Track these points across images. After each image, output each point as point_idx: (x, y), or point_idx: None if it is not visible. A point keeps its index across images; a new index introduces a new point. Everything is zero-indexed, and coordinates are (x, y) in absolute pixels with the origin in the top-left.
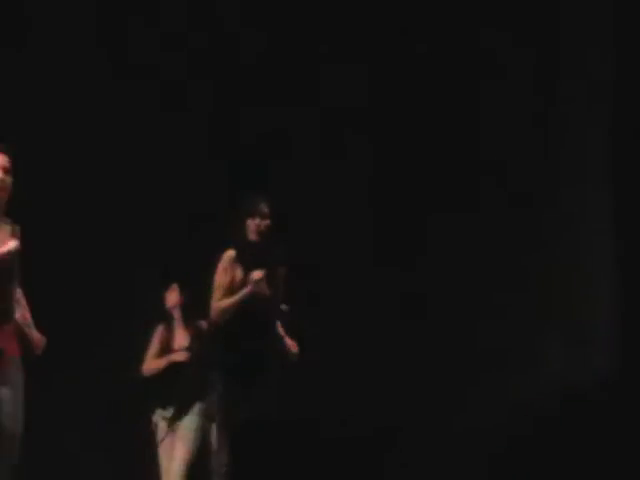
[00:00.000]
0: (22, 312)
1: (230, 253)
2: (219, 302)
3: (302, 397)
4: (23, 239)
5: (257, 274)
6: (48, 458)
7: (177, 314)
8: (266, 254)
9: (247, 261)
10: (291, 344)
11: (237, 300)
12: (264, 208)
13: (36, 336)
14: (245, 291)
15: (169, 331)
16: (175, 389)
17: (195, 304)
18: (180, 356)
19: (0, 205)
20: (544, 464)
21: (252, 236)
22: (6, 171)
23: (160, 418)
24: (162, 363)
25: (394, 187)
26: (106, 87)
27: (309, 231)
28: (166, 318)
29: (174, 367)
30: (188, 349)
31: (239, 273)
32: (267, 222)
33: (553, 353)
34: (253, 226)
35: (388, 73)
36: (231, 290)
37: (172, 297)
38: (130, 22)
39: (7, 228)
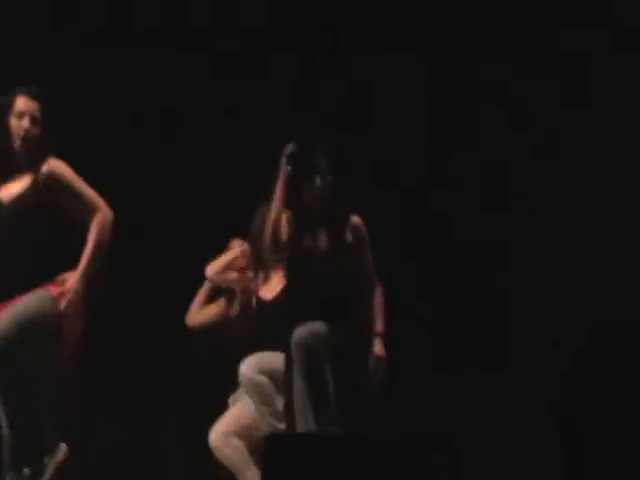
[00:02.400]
0: None
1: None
2: None
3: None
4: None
5: None
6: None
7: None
8: (329, 217)
9: (303, 227)
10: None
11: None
12: (323, 162)
13: None
14: None
15: None
16: None
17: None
18: None
19: (21, 157)
20: None
21: (313, 199)
22: (34, 121)
23: None
24: None
25: None
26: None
27: None
28: None
29: None
30: None
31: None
32: (330, 179)
33: None
34: (314, 186)
35: None
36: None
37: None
38: None
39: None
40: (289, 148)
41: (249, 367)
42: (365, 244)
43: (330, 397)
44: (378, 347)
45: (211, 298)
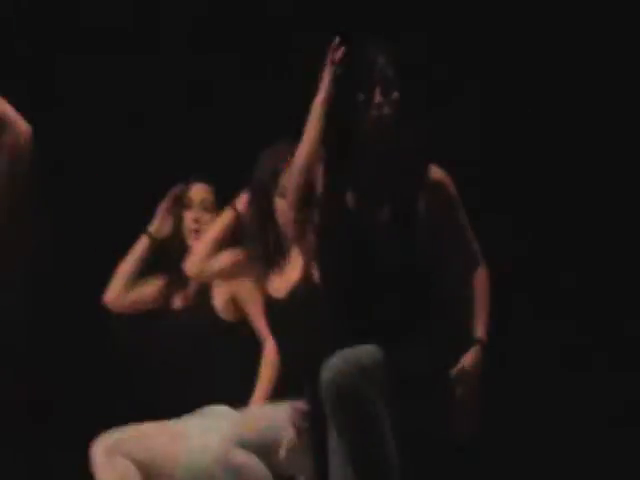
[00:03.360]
0: None
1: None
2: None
3: None
4: None
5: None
6: None
7: None
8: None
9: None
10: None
11: None
12: (387, 67)
13: None
14: None
15: None
16: None
17: None
18: None
19: None
20: None
21: (368, 127)
22: None
23: None
24: None
25: None
26: None
27: None
28: None
29: None
30: None
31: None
32: (396, 95)
33: None
34: (369, 104)
35: None
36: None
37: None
38: None
39: None
40: (339, 41)
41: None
42: (455, 207)
43: (388, 465)
44: (471, 364)
45: None
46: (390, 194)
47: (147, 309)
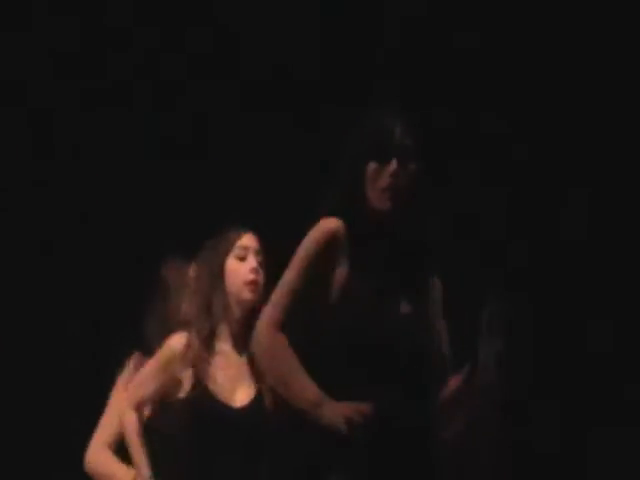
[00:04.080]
0: None
1: (330, 225)
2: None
3: None
4: None
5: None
6: None
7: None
8: (408, 241)
9: (363, 254)
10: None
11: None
12: (407, 139)
13: None
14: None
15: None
16: None
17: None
18: None
19: None
20: None
21: (379, 202)
22: None
23: None
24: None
25: None
26: None
27: None
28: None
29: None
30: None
31: (342, 273)
32: (413, 167)
33: None
34: (385, 178)
35: None
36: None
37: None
38: None
39: None
40: None
41: None
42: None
43: None
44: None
45: None
46: (408, 282)
47: None
